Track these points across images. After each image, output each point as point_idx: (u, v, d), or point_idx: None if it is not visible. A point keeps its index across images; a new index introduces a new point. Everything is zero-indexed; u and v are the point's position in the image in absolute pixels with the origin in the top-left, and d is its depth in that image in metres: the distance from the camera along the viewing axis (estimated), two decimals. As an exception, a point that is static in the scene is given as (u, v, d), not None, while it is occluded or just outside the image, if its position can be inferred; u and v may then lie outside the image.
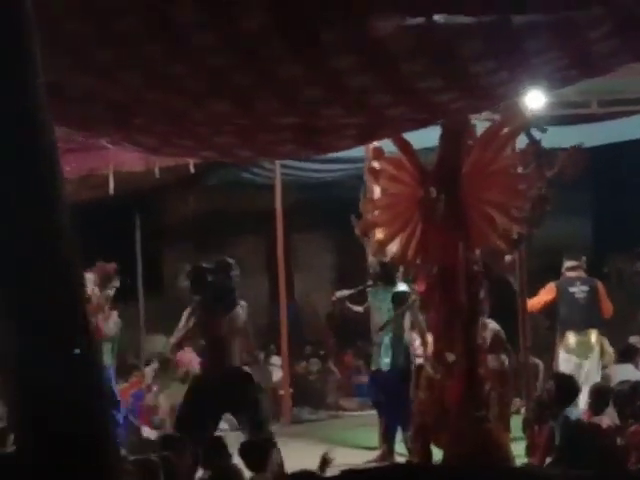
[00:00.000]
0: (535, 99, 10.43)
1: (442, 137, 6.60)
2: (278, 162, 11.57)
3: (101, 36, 4.77)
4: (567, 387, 6.92)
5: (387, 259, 7.11)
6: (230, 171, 13.54)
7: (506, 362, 8.24)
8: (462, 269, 6.32)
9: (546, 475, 5.31)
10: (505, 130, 6.43)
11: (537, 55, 5.13)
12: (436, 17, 4.71)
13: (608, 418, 7.08)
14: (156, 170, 10.43)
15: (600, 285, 10.26)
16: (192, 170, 10.54)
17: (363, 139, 6.73)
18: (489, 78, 5.38)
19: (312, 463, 6.67)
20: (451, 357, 6.31)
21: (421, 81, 5.34)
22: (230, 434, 10.22)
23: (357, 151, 7.53)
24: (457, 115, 6.45)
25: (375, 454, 8.81)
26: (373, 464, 7.58)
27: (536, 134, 6.48)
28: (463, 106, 6.06)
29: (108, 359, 9.27)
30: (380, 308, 8.89)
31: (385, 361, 8.84)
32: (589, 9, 4.71)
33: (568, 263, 10.15)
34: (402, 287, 8.58)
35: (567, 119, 11.91)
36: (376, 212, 6.94)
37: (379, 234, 6.87)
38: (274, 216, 11.49)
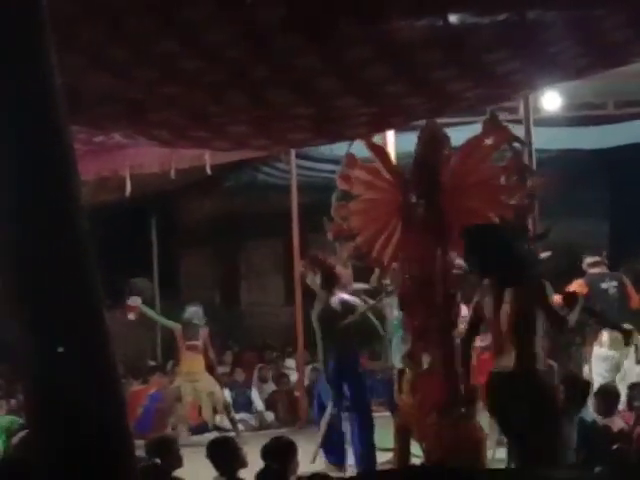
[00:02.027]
0: (551, 100, 10.50)
1: (418, 145, 6.76)
2: (294, 163, 11.58)
3: (116, 34, 4.78)
4: (578, 388, 6.89)
5: (362, 263, 7.23)
6: (246, 172, 13.56)
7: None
8: (439, 273, 6.50)
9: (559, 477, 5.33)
10: (487, 142, 6.57)
11: (551, 44, 5.14)
12: (450, 14, 4.73)
13: (620, 419, 7.07)
14: (172, 172, 10.44)
15: (625, 278, 10.19)
16: (208, 172, 10.54)
17: (377, 128, 6.81)
18: (503, 67, 5.40)
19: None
20: (427, 358, 6.50)
21: (435, 70, 5.36)
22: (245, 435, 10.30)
23: (405, 147, 7.50)
24: (472, 104, 6.54)
25: (390, 455, 8.79)
26: (388, 465, 7.55)
27: (518, 147, 6.60)
28: (477, 95, 6.08)
29: None
30: (394, 306, 8.84)
31: (399, 360, 8.78)
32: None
33: (589, 259, 10.01)
34: None
35: (584, 120, 11.89)
36: (350, 217, 7.10)
37: (356, 238, 7.04)
38: (290, 217, 11.48)
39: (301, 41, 4.89)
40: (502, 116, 10.69)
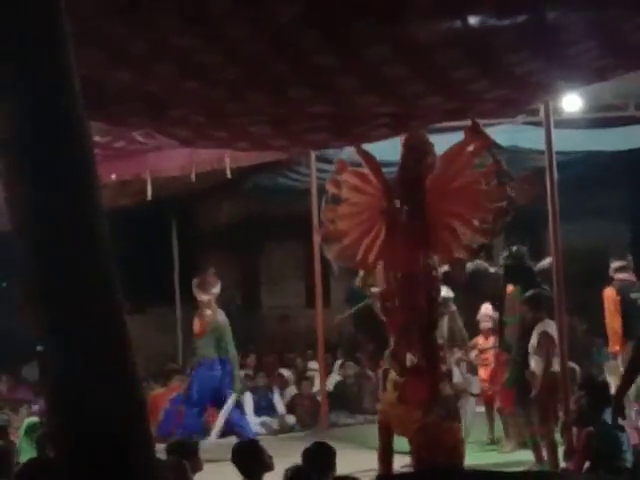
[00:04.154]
0: (572, 102, 10.47)
1: (403, 154, 7.07)
2: (314, 166, 11.59)
3: (136, 30, 4.79)
4: (599, 392, 6.85)
5: (349, 265, 7.47)
6: (266, 176, 13.57)
7: (556, 365, 8.14)
8: (421, 275, 6.72)
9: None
10: (469, 149, 6.76)
11: (572, 45, 5.13)
12: (470, 15, 4.73)
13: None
14: (193, 176, 10.48)
15: None
16: (228, 175, 10.58)
17: (397, 129, 6.87)
18: (523, 68, 5.39)
19: (349, 467, 6.70)
20: (410, 358, 6.68)
21: (455, 70, 5.36)
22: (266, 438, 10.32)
23: (392, 155, 7.60)
24: (492, 108, 6.63)
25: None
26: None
27: (497, 153, 6.76)
28: (497, 98, 6.08)
29: None
30: None
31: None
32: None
33: (616, 264, 9.84)
34: (442, 291, 8.49)
35: (605, 122, 11.85)
36: (338, 221, 7.37)
37: (343, 241, 7.30)
38: (310, 220, 11.49)
39: (320, 39, 4.90)
40: (522, 118, 10.81)
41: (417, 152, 6.95)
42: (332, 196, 7.51)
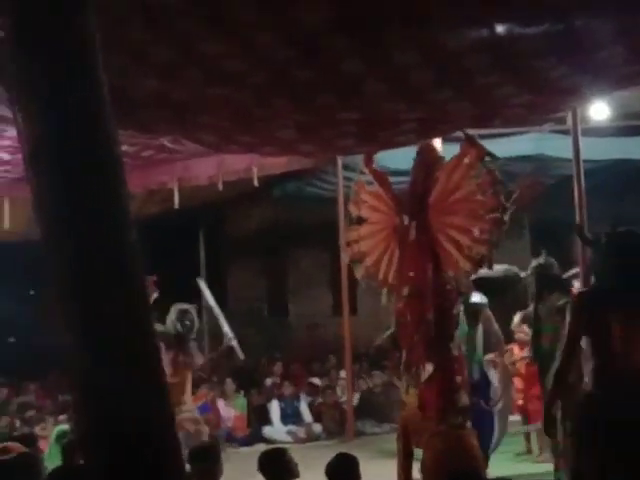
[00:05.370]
0: (599, 110, 10.43)
1: (414, 168, 7.11)
2: (341, 175, 11.60)
3: (162, 37, 4.81)
4: None
5: (374, 284, 7.51)
6: (293, 184, 13.60)
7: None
8: (431, 289, 6.79)
9: None
10: (465, 160, 6.80)
11: (600, 51, 5.11)
12: (497, 21, 4.74)
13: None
14: (220, 184, 10.51)
15: None
16: (256, 183, 10.60)
17: (424, 135, 6.89)
18: (551, 73, 5.38)
19: (375, 477, 6.68)
20: (424, 369, 6.76)
21: (482, 76, 5.36)
22: (293, 447, 10.31)
23: (406, 164, 7.66)
24: (520, 115, 6.66)
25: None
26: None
27: (491, 164, 6.78)
28: (525, 104, 6.07)
29: None
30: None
31: (474, 376, 8.69)
32: None
33: None
34: (476, 297, 8.46)
35: (633, 130, 11.81)
36: (361, 241, 7.54)
37: (366, 261, 7.46)
38: (337, 228, 11.50)
39: (348, 45, 4.90)
40: (549, 126, 10.77)
41: (427, 167, 7.02)
42: (354, 217, 7.67)
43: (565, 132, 9.64)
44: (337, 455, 5.87)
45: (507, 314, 10.06)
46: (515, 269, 8.92)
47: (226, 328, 10.65)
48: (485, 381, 8.51)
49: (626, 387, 5.40)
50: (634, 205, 14.38)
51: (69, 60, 3.11)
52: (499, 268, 7.95)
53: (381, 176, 7.49)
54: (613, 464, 5.21)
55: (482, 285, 8.06)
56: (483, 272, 7.26)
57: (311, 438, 12.01)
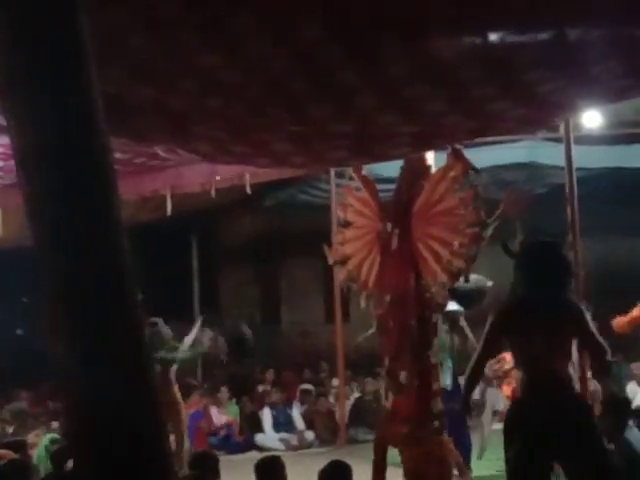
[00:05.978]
0: (592, 118, 10.45)
1: (400, 175, 7.24)
2: (334, 183, 11.61)
3: (159, 47, 4.82)
4: (618, 410, 6.78)
5: (355, 287, 7.60)
6: (286, 192, 13.60)
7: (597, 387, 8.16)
8: (412, 297, 6.88)
9: None
10: (451, 174, 6.85)
11: (593, 64, 5.12)
12: (492, 33, 4.75)
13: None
14: (213, 191, 10.51)
15: None
16: (248, 191, 10.60)
17: (418, 148, 6.90)
18: (544, 87, 5.39)
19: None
20: (402, 376, 6.86)
21: (476, 88, 5.37)
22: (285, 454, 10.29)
23: (394, 172, 7.72)
24: (513, 127, 6.69)
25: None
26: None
27: (474, 179, 6.84)
28: (519, 117, 6.08)
29: None
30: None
31: (447, 382, 8.72)
32: None
33: None
34: (452, 306, 8.50)
35: (626, 138, 11.83)
36: (345, 244, 7.65)
37: (349, 264, 7.56)
38: (329, 236, 11.50)
39: (342, 56, 4.91)
40: (542, 134, 10.80)
41: (413, 175, 7.09)
42: (342, 220, 7.79)
43: (558, 140, 9.68)
44: (330, 462, 5.88)
45: (479, 323, 10.05)
46: (485, 279, 8.95)
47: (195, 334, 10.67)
48: (459, 388, 8.55)
49: (547, 398, 5.52)
50: (627, 213, 14.43)
51: (62, 66, 3.10)
52: (472, 277, 8.02)
53: (368, 182, 7.57)
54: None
55: (455, 295, 8.14)
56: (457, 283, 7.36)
57: (303, 445, 11.98)
